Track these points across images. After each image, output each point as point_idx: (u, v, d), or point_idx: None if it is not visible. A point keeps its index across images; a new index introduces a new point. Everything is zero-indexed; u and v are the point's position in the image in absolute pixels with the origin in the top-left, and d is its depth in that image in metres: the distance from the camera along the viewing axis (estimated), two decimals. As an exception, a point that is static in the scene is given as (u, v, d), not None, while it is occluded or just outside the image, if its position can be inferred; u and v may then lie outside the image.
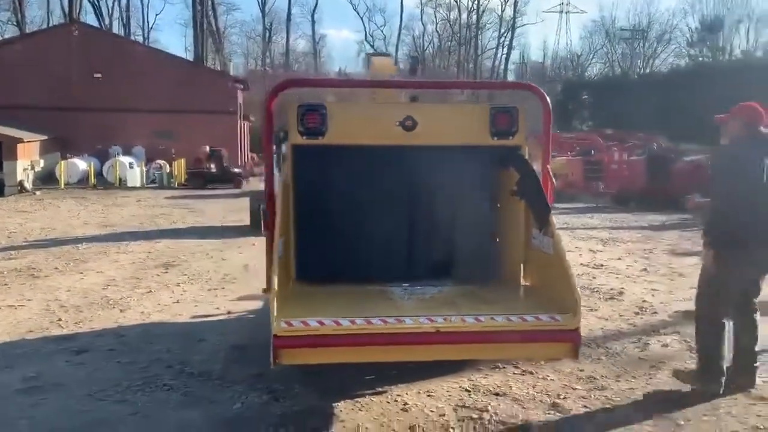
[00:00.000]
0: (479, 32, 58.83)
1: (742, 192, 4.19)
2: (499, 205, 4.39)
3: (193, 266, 9.02)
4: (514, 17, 58.35)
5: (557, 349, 3.51)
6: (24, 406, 4.22)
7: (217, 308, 6.72)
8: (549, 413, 4.08)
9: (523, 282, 4.23)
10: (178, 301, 6.99)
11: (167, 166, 28.87)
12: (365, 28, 66.37)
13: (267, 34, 60.28)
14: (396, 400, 4.29)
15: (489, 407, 4.14)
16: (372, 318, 3.36)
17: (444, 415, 4.09)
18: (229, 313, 6.57)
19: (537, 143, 4.47)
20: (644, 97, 43.24)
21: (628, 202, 18.26)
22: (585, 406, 4.18)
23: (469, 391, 4.44)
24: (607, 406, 4.19)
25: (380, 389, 4.47)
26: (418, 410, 4.15)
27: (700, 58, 47.42)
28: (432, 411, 4.14)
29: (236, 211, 17.57)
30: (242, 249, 10.57)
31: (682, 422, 3.91)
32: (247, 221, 14.77)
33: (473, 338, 3.38)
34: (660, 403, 4.19)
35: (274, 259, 3.54)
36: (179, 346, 5.43)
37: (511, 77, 57.90)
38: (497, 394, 4.38)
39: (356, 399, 4.31)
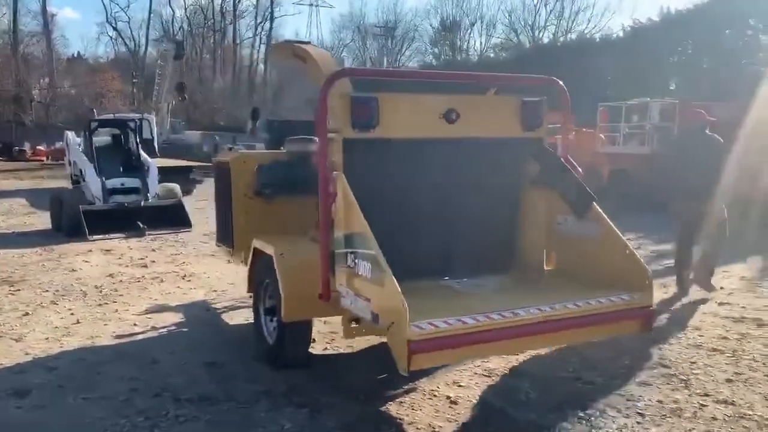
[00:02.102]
0: (236, 20, 57.78)
1: (674, 163, 6.97)
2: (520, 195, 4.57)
3: (44, 281, 7.71)
4: (272, 7, 58.35)
5: (635, 325, 3.82)
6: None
7: (135, 325, 5.92)
8: (574, 382, 4.44)
9: (546, 267, 4.48)
10: (78, 322, 5.99)
11: None
12: (107, 9, 61.07)
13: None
14: (436, 395, 4.29)
15: (525, 388, 4.37)
16: (490, 314, 3.35)
17: (492, 402, 4.20)
18: (153, 328, 5.83)
19: None
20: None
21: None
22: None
23: (489, 376, 4.61)
24: (592, 367, 4.69)
25: (407, 387, 4.41)
26: (465, 401, 4.20)
27: (442, 56, 52.12)
28: (477, 399, 4.23)
29: (4, 214, 15.24)
30: (86, 257, 9.27)
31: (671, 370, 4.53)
32: (37, 224, 13.02)
33: (573, 323, 3.54)
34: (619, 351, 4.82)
35: (377, 256, 3.30)
36: (138, 371, 4.73)
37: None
38: (516, 376, 4.61)
39: (398, 400, 4.22)
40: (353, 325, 3.85)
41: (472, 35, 53.66)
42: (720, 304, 6.44)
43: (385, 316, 3.28)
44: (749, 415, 3.94)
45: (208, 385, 4.48)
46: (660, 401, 4.15)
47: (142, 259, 9.12)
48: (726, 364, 4.79)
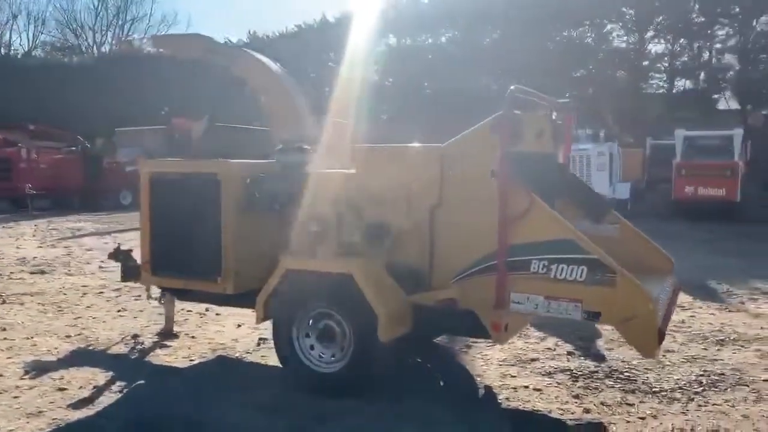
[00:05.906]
0: None
1: None
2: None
3: None
4: None
5: None
6: None
7: (81, 388, 4.45)
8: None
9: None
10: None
11: None
12: None
13: None
14: (516, 389, 4.58)
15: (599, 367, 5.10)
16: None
17: (574, 385, 4.74)
18: (113, 392, 4.46)
19: None
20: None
21: (71, 201, 17.83)
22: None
23: (527, 366, 5.08)
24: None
25: (482, 388, 4.71)
26: (545, 387, 4.63)
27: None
28: (546, 382, 4.79)
29: None
30: None
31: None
32: None
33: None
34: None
35: (603, 260, 3.72)
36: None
37: None
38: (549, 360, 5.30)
39: (501, 398, 4.49)
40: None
41: (15, 28, 46.94)
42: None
43: (618, 312, 3.72)
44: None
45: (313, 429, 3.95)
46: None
47: None
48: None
